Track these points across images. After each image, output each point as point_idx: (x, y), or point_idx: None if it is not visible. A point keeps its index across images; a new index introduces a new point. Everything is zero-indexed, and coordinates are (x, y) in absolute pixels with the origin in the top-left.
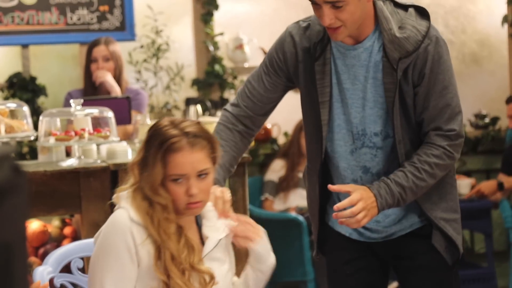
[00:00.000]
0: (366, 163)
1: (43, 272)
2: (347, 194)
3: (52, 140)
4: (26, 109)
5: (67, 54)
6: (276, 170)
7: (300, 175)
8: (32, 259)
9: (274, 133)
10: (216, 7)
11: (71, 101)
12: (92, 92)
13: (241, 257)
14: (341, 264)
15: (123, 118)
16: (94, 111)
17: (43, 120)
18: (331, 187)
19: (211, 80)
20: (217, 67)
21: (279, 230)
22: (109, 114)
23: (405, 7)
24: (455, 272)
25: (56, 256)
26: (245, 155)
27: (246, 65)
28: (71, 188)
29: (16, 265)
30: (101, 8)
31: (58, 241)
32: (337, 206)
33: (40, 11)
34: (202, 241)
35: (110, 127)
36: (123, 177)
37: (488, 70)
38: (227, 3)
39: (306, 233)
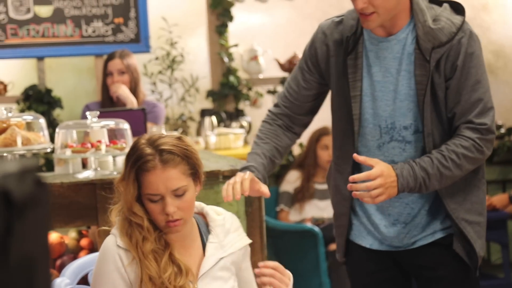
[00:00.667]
0: (395, 158)
1: (60, 283)
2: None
3: (68, 152)
4: (42, 121)
5: (82, 66)
6: (292, 181)
7: (316, 186)
8: (50, 270)
9: None
10: (230, 18)
11: (87, 113)
12: (109, 104)
13: None
14: (363, 276)
15: (138, 130)
16: (110, 123)
17: (59, 132)
18: (356, 156)
19: (226, 91)
20: (232, 78)
21: (295, 241)
22: (125, 126)
23: (439, 3)
24: (476, 280)
25: (73, 268)
26: None
27: (261, 76)
28: (88, 200)
29: (40, 278)
30: (116, 20)
31: (75, 253)
32: (353, 177)
33: (55, 24)
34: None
35: (126, 139)
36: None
37: (503, 80)
38: (242, 15)
39: (321, 244)
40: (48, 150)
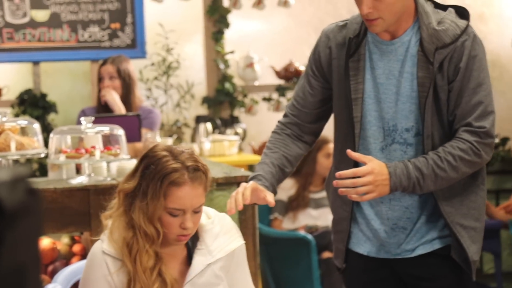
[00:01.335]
0: (396, 160)
1: None
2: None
3: (62, 157)
4: (36, 126)
5: (78, 71)
6: (286, 188)
7: (311, 195)
8: (42, 276)
9: None
10: (227, 25)
11: (82, 118)
12: (105, 110)
13: None
14: (361, 285)
15: (133, 135)
16: (105, 129)
17: (53, 138)
18: (350, 152)
19: (221, 98)
20: (227, 85)
21: (288, 249)
22: (120, 132)
23: (444, 8)
24: (473, 286)
25: (66, 274)
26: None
27: (256, 83)
28: (81, 205)
29: (30, 286)
30: (113, 25)
31: (67, 259)
32: (339, 173)
33: (51, 28)
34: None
35: (120, 145)
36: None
37: (499, 90)
38: (238, 22)
39: (314, 252)
40: (42, 155)
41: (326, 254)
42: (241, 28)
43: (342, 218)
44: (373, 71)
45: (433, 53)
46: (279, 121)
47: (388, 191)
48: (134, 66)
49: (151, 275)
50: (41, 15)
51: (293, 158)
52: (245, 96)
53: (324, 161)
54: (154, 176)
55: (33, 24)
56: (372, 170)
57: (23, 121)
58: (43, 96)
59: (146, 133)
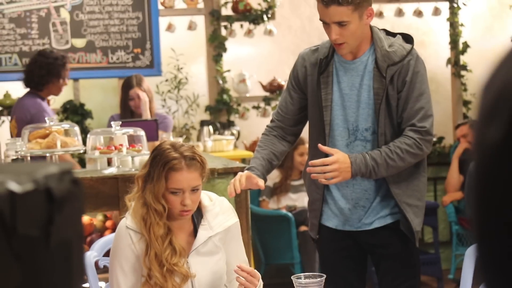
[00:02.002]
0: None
1: (90, 256)
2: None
3: (97, 153)
4: (77, 129)
5: (108, 86)
6: (272, 178)
7: (291, 183)
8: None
9: None
10: (224, 50)
11: (112, 123)
12: (129, 116)
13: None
14: (330, 253)
15: (152, 136)
16: (130, 130)
17: (90, 138)
18: (321, 146)
19: (220, 106)
20: (225, 96)
21: (273, 224)
22: (141, 133)
23: (394, 34)
24: (416, 252)
25: (100, 244)
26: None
27: (248, 95)
28: (112, 190)
29: (75, 256)
30: (135, 50)
31: (101, 232)
32: (311, 162)
33: (88, 53)
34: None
35: (142, 143)
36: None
37: (436, 100)
38: (233, 47)
39: (294, 226)
40: (81, 151)
41: (303, 228)
42: (236, 52)
43: (315, 199)
44: (339, 84)
45: (385, 69)
46: (267, 126)
47: (350, 176)
48: (152, 82)
49: (163, 243)
50: (80, 43)
51: (279, 153)
52: (239, 105)
53: (299, 158)
54: (158, 163)
55: (73, 49)
56: (337, 159)
57: (66, 125)
58: (82, 105)
59: (162, 134)
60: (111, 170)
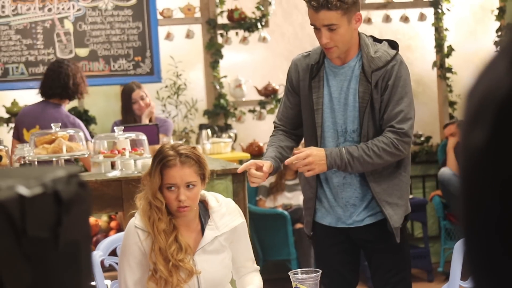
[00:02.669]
0: None
1: (96, 255)
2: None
3: (101, 157)
4: (81, 134)
5: (111, 92)
6: (269, 178)
7: (287, 182)
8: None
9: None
10: (221, 56)
11: (114, 128)
12: (130, 121)
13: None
14: (325, 248)
15: (153, 140)
16: (132, 135)
17: (94, 142)
18: (287, 161)
19: (218, 110)
20: (222, 101)
21: (270, 222)
22: (143, 137)
23: (380, 41)
24: (406, 248)
25: (105, 244)
26: None
27: (244, 99)
28: (115, 192)
29: (83, 256)
30: (136, 58)
31: (106, 232)
32: (287, 161)
33: (91, 61)
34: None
35: (144, 147)
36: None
37: (422, 102)
38: (230, 54)
39: (289, 224)
40: (86, 156)
41: (298, 225)
42: (232, 59)
43: (309, 198)
44: (329, 88)
45: (370, 74)
46: (273, 130)
47: (326, 168)
48: (152, 88)
49: (167, 238)
50: (83, 52)
51: (287, 147)
52: (235, 109)
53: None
54: (155, 161)
55: (77, 58)
56: (310, 153)
57: (71, 131)
58: (86, 111)
59: (162, 138)
60: (115, 173)
